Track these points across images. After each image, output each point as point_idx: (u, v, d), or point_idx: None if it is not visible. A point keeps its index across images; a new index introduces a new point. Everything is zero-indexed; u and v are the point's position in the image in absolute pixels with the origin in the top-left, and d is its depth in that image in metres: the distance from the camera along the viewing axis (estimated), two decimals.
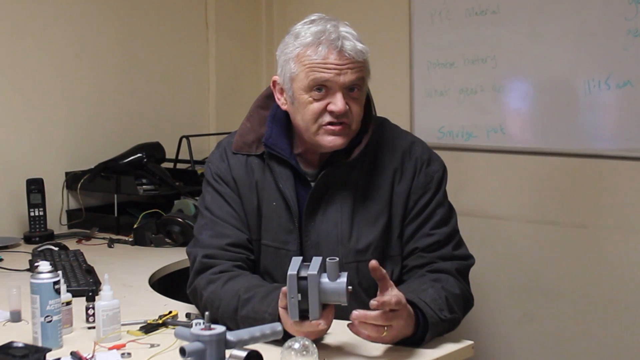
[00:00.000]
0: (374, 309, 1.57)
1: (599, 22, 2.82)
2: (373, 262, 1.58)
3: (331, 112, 1.80)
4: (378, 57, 3.30)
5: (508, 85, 3.07)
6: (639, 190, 2.82)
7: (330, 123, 1.81)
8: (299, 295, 1.56)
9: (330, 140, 1.83)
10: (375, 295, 1.71)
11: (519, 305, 3.12)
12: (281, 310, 1.63)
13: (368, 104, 1.93)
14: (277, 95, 1.91)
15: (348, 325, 1.63)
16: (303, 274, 1.56)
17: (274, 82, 1.91)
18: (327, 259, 1.58)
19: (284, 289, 1.59)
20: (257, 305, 1.71)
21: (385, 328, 1.60)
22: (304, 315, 1.57)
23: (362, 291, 1.86)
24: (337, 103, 1.79)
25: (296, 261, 1.58)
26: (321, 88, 1.80)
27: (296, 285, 1.55)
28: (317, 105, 1.81)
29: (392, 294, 1.59)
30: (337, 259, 1.59)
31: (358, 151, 1.86)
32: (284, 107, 1.90)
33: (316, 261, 1.58)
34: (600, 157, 2.87)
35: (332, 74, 1.79)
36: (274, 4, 3.75)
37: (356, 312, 1.58)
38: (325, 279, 1.57)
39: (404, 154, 1.92)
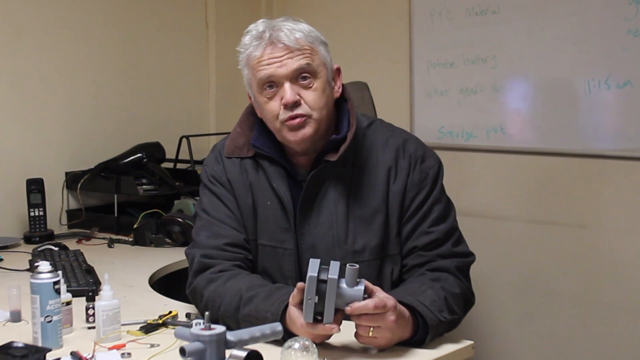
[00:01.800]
0: (350, 314, 1.58)
1: (599, 22, 2.82)
2: (348, 310, 1.58)
3: (285, 105, 1.81)
4: (378, 57, 3.35)
5: (508, 85, 3.07)
6: (639, 190, 2.82)
7: (289, 118, 1.82)
8: (316, 297, 1.56)
9: (292, 135, 1.83)
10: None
11: (519, 305, 3.12)
12: (292, 308, 1.63)
13: (349, 100, 1.91)
14: (255, 106, 1.93)
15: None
16: (323, 277, 1.56)
17: (249, 96, 1.94)
18: (348, 265, 1.59)
19: (301, 284, 1.60)
20: (259, 304, 1.71)
21: (372, 328, 1.60)
22: (316, 318, 1.58)
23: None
24: (285, 95, 1.81)
25: (315, 263, 1.58)
26: (271, 85, 1.82)
27: (315, 287, 1.56)
28: (272, 104, 1.83)
29: (371, 299, 1.59)
30: (358, 266, 1.59)
31: (344, 148, 1.85)
32: (260, 116, 1.92)
33: (335, 265, 1.58)
34: (600, 157, 2.87)
35: (272, 68, 1.81)
36: (274, 4, 3.76)
37: (348, 308, 1.58)
38: (343, 285, 1.58)
39: (397, 152, 1.91)
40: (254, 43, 1.84)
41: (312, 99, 1.82)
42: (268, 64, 1.81)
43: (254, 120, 1.96)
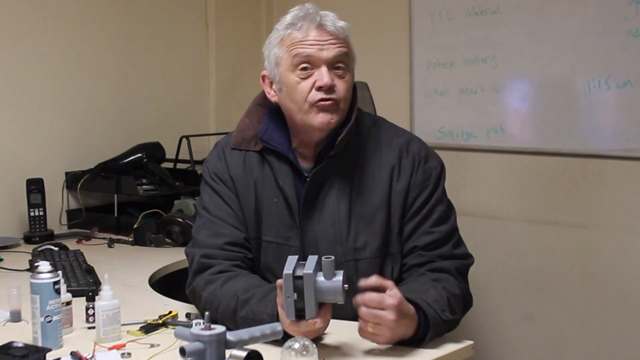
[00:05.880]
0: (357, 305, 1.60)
1: (599, 22, 2.82)
2: (362, 284, 1.60)
3: (319, 88, 1.81)
4: (378, 57, 3.34)
5: (508, 85, 3.07)
6: (639, 190, 2.82)
7: (321, 100, 1.81)
8: (295, 294, 1.56)
9: (321, 117, 1.82)
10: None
11: (519, 305, 3.12)
12: (280, 309, 1.63)
13: (353, 95, 1.92)
14: (267, 90, 1.92)
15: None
16: (299, 273, 1.56)
17: (263, 77, 1.92)
18: (323, 258, 1.58)
19: (279, 281, 1.59)
20: (255, 306, 1.71)
21: (370, 324, 1.60)
22: (300, 315, 1.58)
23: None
24: (323, 77, 1.80)
25: (292, 260, 1.58)
26: (306, 67, 1.82)
27: (292, 284, 1.55)
28: (304, 84, 1.82)
29: (371, 293, 1.60)
30: (333, 257, 1.59)
31: (341, 138, 1.85)
32: (274, 99, 1.90)
33: (312, 260, 1.58)
34: (600, 157, 2.87)
35: (314, 49, 1.81)
36: (274, 4, 3.75)
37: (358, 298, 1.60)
38: (321, 278, 1.58)
39: (401, 152, 1.92)
40: (300, 23, 1.82)
41: (343, 88, 1.84)
42: (311, 45, 1.81)
43: (263, 112, 1.96)
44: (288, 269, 1.56)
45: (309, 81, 1.82)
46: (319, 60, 1.81)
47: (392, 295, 1.61)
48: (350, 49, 1.86)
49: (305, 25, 1.82)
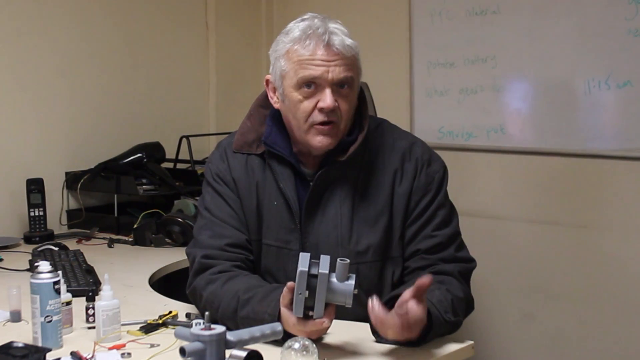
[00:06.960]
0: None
1: (599, 22, 2.82)
2: (425, 281, 1.57)
3: (321, 109, 1.80)
4: (378, 57, 3.34)
5: (508, 85, 3.07)
6: (639, 190, 2.82)
7: (321, 123, 1.81)
8: (307, 292, 1.56)
9: (319, 140, 1.83)
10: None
11: (519, 305, 3.12)
12: (283, 309, 1.63)
13: (362, 103, 1.92)
14: (270, 94, 1.91)
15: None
16: (314, 271, 1.56)
17: (267, 81, 1.91)
18: (338, 260, 1.59)
19: (290, 284, 1.60)
20: (256, 305, 1.71)
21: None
22: (306, 314, 1.58)
23: (363, 293, 1.85)
24: (326, 99, 1.79)
25: (305, 257, 1.58)
26: (310, 84, 1.80)
27: (306, 282, 1.56)
28: (307, 104, 1.81)
29: (416, 311, 1.59)
30: (348, 260, 1.59)
31: (353, 149, 1.86)
32: (276, 106, 1.90)
33: (325, 259, 1.58)
34: (600, 157, 2.87)
35: (320, 71, 1.79)
36: (274, 4, 3.75)
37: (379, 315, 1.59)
38: (333, 279, 1.58)
39: (404, 155, 1.91)
40: (307, 41, 1.80)
41: (346, 109, 1.83)
42: (317, 65, 1.79)
43: (265, 113, 1.95)
44: (303, 266, 1.56)
45: (312, 101, 1.81)
46: (324, 82, 1.79)
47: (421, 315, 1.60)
48: (356, 67, 1.84)
49: (313, 43, 1.79)
